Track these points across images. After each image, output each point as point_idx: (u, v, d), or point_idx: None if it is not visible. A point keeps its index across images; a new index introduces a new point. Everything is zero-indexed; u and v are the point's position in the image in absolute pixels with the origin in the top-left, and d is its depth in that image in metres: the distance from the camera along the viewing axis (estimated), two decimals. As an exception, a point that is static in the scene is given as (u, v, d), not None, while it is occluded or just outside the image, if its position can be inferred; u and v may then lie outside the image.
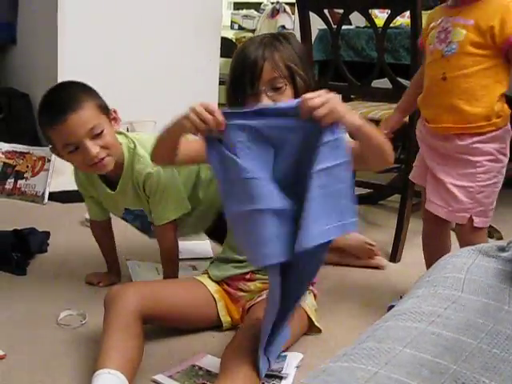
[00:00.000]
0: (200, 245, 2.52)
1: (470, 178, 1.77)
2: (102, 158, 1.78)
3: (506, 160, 1.81)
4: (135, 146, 1.92)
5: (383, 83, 2.66)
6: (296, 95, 1.59)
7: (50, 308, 1.94)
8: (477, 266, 0.84)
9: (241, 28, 5.36)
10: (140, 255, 2.35)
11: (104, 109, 1.86)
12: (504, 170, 1.82)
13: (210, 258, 2.30)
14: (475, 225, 1.79)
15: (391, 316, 0.74)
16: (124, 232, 2.23)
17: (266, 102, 1.57)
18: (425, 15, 2.40)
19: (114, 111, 1.92)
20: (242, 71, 1.60)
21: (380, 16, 3.19)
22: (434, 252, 1.94)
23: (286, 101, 1.56)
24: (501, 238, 2.68)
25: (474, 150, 1.76)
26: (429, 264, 1.98)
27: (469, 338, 0.67)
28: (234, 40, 5.20)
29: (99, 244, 2.17)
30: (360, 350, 0.65)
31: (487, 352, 0.64)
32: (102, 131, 1.78)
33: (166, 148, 1.64)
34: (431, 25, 1.85)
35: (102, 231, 2.15)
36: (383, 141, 1.51)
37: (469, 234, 1.82)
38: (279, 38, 1.67)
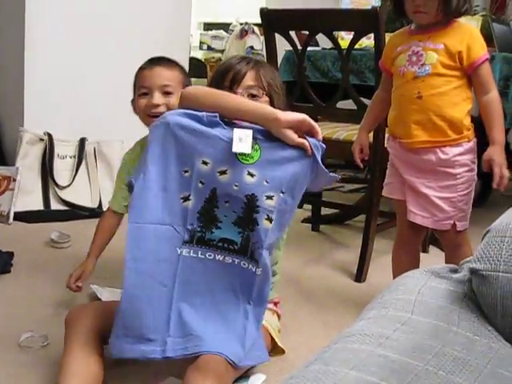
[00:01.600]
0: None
1: (451, 189, 1.91)
2: (161, 113, 1.78)
3: (476, 169, 1.95)
4: None
5: (348, 104, 2.69)
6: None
7: (11, 329, 1.90)
8: (428, 287, 0.85)
9: (210, 48, 5.37)
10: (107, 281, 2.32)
11: (184, 86, 1.92)
12: (475, 178, 1.95)
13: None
14: (458, 229, 1.94)
15: (340, 338, 0.74)
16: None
17: None
18: (388, 37, 2.44)
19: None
20: (224, 74, 1.69)
21: (346, 38, 3.22)
22: (404, 264, 2.03)
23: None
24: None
25: (453, 162, 1.89)
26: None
27: (416, 360, 0.67)
28: (203, 60, 5.22)
29: (96, 236, 2.15)
30: (307, 372, 0.65)
31: (433, 374, 0.65)
32: (171, 93, 1.92)
33: None
34: (398, 49, 1.95)
35: (110, 225, 2.16)
36: None
37: (453, 238, 1.97)
38: (263, 61, 1.83)
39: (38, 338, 1.84)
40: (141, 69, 2.04)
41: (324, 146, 1.58)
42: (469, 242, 1.99)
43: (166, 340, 1.49)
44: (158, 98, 1.92)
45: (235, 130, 1.49)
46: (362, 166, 2.17)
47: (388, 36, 2.39)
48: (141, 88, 1.99)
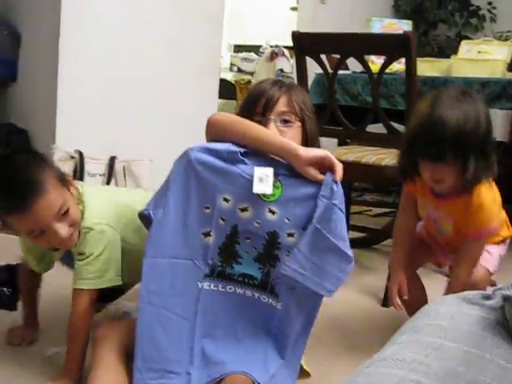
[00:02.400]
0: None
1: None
2: (71, 235, 1.66)
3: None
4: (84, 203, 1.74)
5: (378, 128, 2.68)
6: (303, 137, 1.63)
7: (39, 343, 1.94)
8: (460, 313, 0.85)
9: (240, 70, 5.41)
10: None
11: (63, 179, 1.68)
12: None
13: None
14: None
15: (373, 362, 0.74)
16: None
17: (272, 128, 1.60)
18: (420, 62, 2.44)
19: (66, 174, 1.75)
20: (256, 100, 1.65)
21: (377, 62, 3.23)
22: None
23: (293, 134, 1.62)
24: (494, 284, 2.67)
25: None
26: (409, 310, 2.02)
27: (448, 386, 0.66)
28: (232, 82, 5.26)
29: (23, 292, 2.02)
30: (339, 396, 0.65)
31: (466, 401, 0.64)
32: (67, 209, 1.63)
33: None
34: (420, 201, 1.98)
35: (33, 278, 1.97)
36: None
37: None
38: (295, 85, 1.79)
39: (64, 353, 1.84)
40: (8, 212, 1.63)
41: (341, 190, 1.53)
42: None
43: (190, 372, 1.50)
44: (62, 229, 1.62)
45: (256, 168, 1.48)
46: (399, 308, 1.98)
47: (420, 61, 2.40)
48: (31, 232, 1.64)
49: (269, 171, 1.48)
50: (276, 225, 1.51)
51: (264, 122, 1.60)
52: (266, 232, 1.52)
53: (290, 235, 1.51)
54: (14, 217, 1.59)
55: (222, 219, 1.53)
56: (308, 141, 1.65)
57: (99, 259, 1.68)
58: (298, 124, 1.65)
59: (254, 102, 1.65)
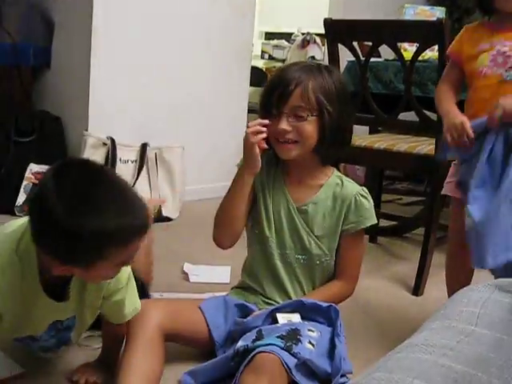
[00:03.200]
0: (219, 269, 2.53)
1: None
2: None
3: None
4: None
5: (410, 116, 2.67)
6: (320, 129, 1.62)
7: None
8: (493, 300, 0.85)
9: (271, 58, 5.41)
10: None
11: None
12: None
13: (227, 283, 2.32)
14: None
15: (403, 347, 0.75)
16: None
17: (284, 126, 1.61)
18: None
19: None
20: (273, 89, 1.65)
21: (409, 49, 3.21)
22: (456, 275, 1.96)
23: (306, 129, 1.62)
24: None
25: None
26: (450, 288, 1.98)
27: (479, 371, 0.67)
28: (263, 69, 5.26)
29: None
30: (370, 379, 0.65)
31: (497, 386, 0.64)
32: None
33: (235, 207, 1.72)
34: (479, 46, 1.80)
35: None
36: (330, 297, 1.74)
37: None
38: (321, 68, 1.69)
39: (96, 336, 1.86)
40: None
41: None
42: None
43: None
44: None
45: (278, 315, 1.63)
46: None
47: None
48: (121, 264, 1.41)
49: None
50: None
51: (277, 116, 1.63)
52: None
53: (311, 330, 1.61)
54: (131, 242, 1.28)
55: None
56: (327, 132, 1.64)
57: (131, 278, 1.54)
58: (313, 118, 1.63)
59: (271, 91, 1.65)
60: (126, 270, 1.46)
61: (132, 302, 1.55)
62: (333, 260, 1.75)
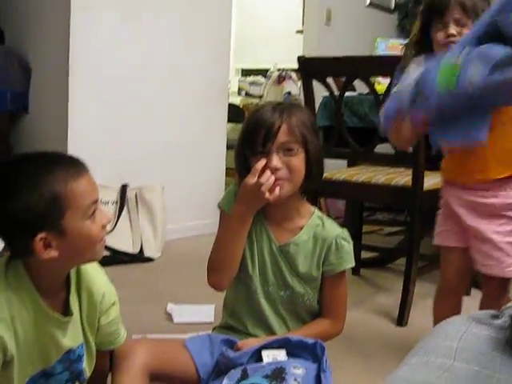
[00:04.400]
0: (203, 309, 2.53)
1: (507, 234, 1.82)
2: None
3: None
4: None
5: (387, 147, 2.70)
6: (307, 161, 1.64)
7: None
8: (470, 333, 0.86)
9: (248, 94, 5.46)
10: None
11: None
12: None
13: (211, 322, 2.31)
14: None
15: (384, 384, 0.75)
16: None
17: (276, 162, 1.60)
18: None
19: None
20: (256, 129, 1.62)
21: (383, 82, 3.27)
22: (447, 312, 1.95)
23: (296, 163, 1.61)
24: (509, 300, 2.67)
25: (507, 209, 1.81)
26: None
27: (458, 406, 0.68)
28: (241, 106, 5.30)
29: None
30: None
31: (476, 421, 0.65)
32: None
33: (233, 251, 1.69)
34: None
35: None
36: (318, 334, 1.71)
37: (502, 285, 1.88)
38: (295, 105, 1.72)
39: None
40: None
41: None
42: (508, 292, 1.94)
43: None
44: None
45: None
46: None
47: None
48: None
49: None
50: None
51: (266, 154, 1.60)
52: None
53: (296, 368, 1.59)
54: (79, 183, 1.35)
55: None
56: (311, 166, 1.65)
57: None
58: (301, 150, 1.63)
59: (253, 133, 1.62)
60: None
61: (123, 327, 1.58)
62: (316, 299, 1.75)
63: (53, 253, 1.31)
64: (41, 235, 1.28)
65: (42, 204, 1.28)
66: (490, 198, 1.82)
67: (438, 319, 2.03)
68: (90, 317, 1.48)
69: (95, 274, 1.49)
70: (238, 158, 1.70)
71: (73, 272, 1.45)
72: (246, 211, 1.66)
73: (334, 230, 1.71)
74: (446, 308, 2.00)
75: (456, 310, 2.01)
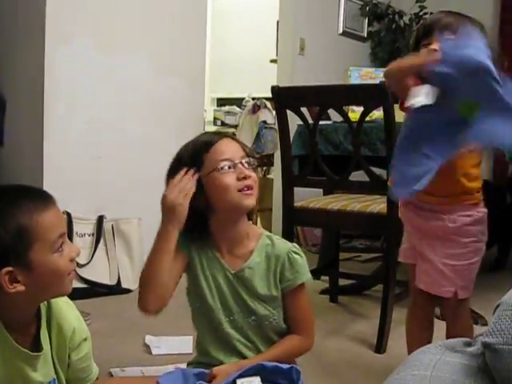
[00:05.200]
0: (181, 340, 2.51)
1: (458, 257, 1.87)
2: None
3: (486, 239, 1.92)
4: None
5: (362, 175, 2.73)
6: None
7: None
8: (443, 362, 0.87)
9: (223, 124, 5.49)
10: None
11: None
12: (484, 249, 1.92)
13: (190, 353, 2.30)
14: (460, 297, 1.89)
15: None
16: None
17: (248, 172, 1.63)
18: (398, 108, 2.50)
19: None
20: (206, 147, 1.67)
21: (357, 110, 3.30)
22: (417, 330, 2.02)
23: (256, 177, 1.66)
24: (485, 324, 2.69)
25: (463, 231, 1.86)
26: (411, 346, 2.02)
27: None
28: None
29: None
30: None
31: None
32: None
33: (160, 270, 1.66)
34: None
35: None
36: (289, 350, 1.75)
37: (454, 307, 1.93)
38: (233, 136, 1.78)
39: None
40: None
41: None
42: (469, 313, 1.98)
43: None
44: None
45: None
46: None
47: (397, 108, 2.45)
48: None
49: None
50: None
51: (232, 167, 1.62)
52: None
53: None
54: (46, 216, 1.37)
55: None
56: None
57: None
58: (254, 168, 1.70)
59: (203, 151, 1.67)
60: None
61: (94, 364, 1.56)
62: (281, 318, 1.75)
63: (19, 287, 1.30)
64: (7, 269, 1.27)
65: (7, 237, 1.27)
66: (436, 221, 1.88)
67: (409, 341, 2.04)
68: (60, 352, 1.47)
69: (66, 309, 1.49)
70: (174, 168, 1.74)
71: (43, 306, 1.44)
72: (167, 226, 1.64)
73: (285, 246, 1.72)
74: (416, 325, 2.04)
75: (426, 331, 2.03)
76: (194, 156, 1.69)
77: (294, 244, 1.74)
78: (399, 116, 2.56)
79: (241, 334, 1.72)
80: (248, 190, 1.63)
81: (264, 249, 1.71)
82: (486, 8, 5.54)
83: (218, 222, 1.69)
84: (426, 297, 1.99)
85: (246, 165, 1.64)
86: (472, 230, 1.88)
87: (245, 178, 1.62)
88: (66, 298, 1.49)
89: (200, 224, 1.69)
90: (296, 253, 1.71)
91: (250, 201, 1.64)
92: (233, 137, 1.72)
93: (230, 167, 1.62)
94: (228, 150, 1.65)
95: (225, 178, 1.62)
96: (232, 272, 1.70)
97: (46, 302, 1.44)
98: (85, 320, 2.77)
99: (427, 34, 1.85)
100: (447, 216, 1.87)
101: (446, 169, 1.72)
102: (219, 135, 1.71)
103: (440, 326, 2.03)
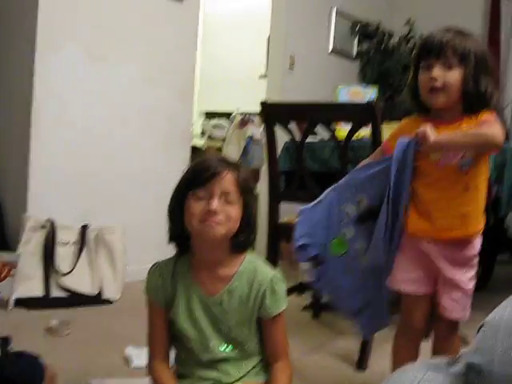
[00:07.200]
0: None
1: (472, 279, 1.92)
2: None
3: None
4: None
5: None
6: (244, 216, 1.64)
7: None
8: (426, 380, 0.87)
9: (211, 137, 5.48)
10: None
11: None
12: None
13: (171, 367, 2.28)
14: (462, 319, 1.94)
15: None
16: None
17: (215, 205, 1.57)
18: (386, 127, 2.51)
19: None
20: (202, 172, 1.61)
21: (344, 128, 3.32)
22: (405, 356, 1.96)
23: (234, 213, 1.60)
24: (466, 343, 2.69)
25: (474, 256, 1.91)
26: (395, 366, 2.02)
27: None
28: (203, 148, 5.32)
29: None
30: None
31: None
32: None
33: None
34: None
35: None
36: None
37: (451, 328, 1.96)
38: (237, 163, 1.71)
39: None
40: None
41: None
42: (458, 334, 1.99)
43: None
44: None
45: None
46: None
47: (389, 125, 2.48)
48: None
49: None
50: None
51: (208, 196, 1.58)
52: None
53: None
54: None
55: None
56: (247, 221, 1.65)
57: None
58: (241, 205, 1.63)
59: (198, 176, 1.61)
60: None
61: None
62: (256, 342, 1.73)
63: None
64: None
65: None
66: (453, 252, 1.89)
67: (398, 364, 2.04)
68: None
69: None
70: (175, 197, 1.67)
71: None
72: None
73: (268, 274, 1.70)
74: (407, 353, 1.99)
75: (416, 354, 2.01)
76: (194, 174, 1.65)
77: (277, 271, 1.72)
78: (387, 134, 2.58)
79: (217, 358, 1.71)
80: (211, 220, 1.58)
81: (246, 274, 1.68)
82: (474, 29, 5.61)
83: (195, 243, 1.67)
84: (422, 325, 1.99)
85: (222, 200, 1.59)
86: (476, 252, 1.92)
87: (209, 212, 1.57)
88: None
89: (183, 242, 1.69)
90: (278, 282, 1.70)
91: (213, 232, 1.58)
92: (233, 170, 1.63)
93: (202, 196, 1.59)
94: (214, 181, 1.60)
95: (193, 204, 1.59)
96: (208, 297, 1.68)
97: None
98: (65, 330, 2.78)
99: (429, 52, 1.84)
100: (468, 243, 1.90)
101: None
102: (224, 166, 1.63)
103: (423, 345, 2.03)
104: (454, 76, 1.80)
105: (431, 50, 1.83)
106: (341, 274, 2.07)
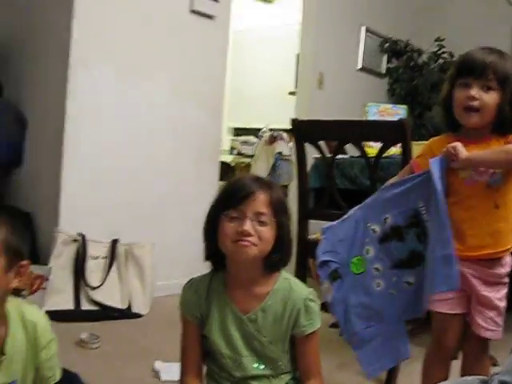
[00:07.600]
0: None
1: (503, 299, 1.92)
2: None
3: None
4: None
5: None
6: (277, 238, 1.64)
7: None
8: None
9: (239, 153, 5.52)
10: None
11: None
12: None
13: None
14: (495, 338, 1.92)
15: None
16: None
17: (248, 228, 1.57)
18: (416, 145, 2.51)
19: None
20: (235, 193, 1.62)
21: (374, 146, 3.32)
22: (436, 378, 1.94)
23: (267, 234, 1.61)
24: (496, 364, 2.66)
25: (505, 273, 1.91)
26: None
27: None
28: (232, 165, 5.35)
29: None
30: None
31: None
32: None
33: None
34: None
35: None
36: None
37: (484, 346, 1.95)
38: (271, 182, 1.71)
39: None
40: None
41: None
42: (488, 353, 1.97)
43: None
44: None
45: None
46: None
47: (415, 145, 2.48)
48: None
49: None
50: None
51: (240, 218, 1.59)
52: None
53: None
54: None
55: None
56: (281, 241, 1.65)
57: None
58: (274, 225, 1.62)
59: (231, 196, 1.62)
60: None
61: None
62: (288, 359, 1.73)
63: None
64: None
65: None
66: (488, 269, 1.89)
67: (426, 379, 2.03)
68: (30, 350, 1.52)
69: (33, 309, 1.56)
70: (209, 217, 1.68)
71: (12, 307, 1.49)
72: None
73: (302, 292, 1.70)
74: (438, 372, 1.98)
75: (447, 373, 1.99)
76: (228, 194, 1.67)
77: (311, 290, 1.73)
78: (417, 152, 2.59)
79: (250, 375, 1.71)
80: (243, 241, 1.58)
81: (281, 293, 1.68)
82: (502, 47, 5.58)
83: (229, 262, 1.67)
84: (454, 345, 1.98)
85: (255, 221, 1.59)
86: (508, 270, 1.92)
87: (241, 233, 1.58)
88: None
89: (219, 260, 1.70)
90: (313, 300, 1.70)
91: (245, 253, 1.59)
92: (266, 190, 1.63)
93: (235, 217, 1.59)
94: (248, 201, 1.60)
95: (226, 225, 1.60)
96: (243, 314, 1.70)
97: (13, 302, 1.50)
98: (94, 343, 2.81)
99: (469, 71, 1.83)
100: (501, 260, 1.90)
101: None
102: (256, 187, 1.63)
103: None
104: (492, 98, 1.81)
105: (472, 70, 1.82)
106: (355, 293, 2.07)
